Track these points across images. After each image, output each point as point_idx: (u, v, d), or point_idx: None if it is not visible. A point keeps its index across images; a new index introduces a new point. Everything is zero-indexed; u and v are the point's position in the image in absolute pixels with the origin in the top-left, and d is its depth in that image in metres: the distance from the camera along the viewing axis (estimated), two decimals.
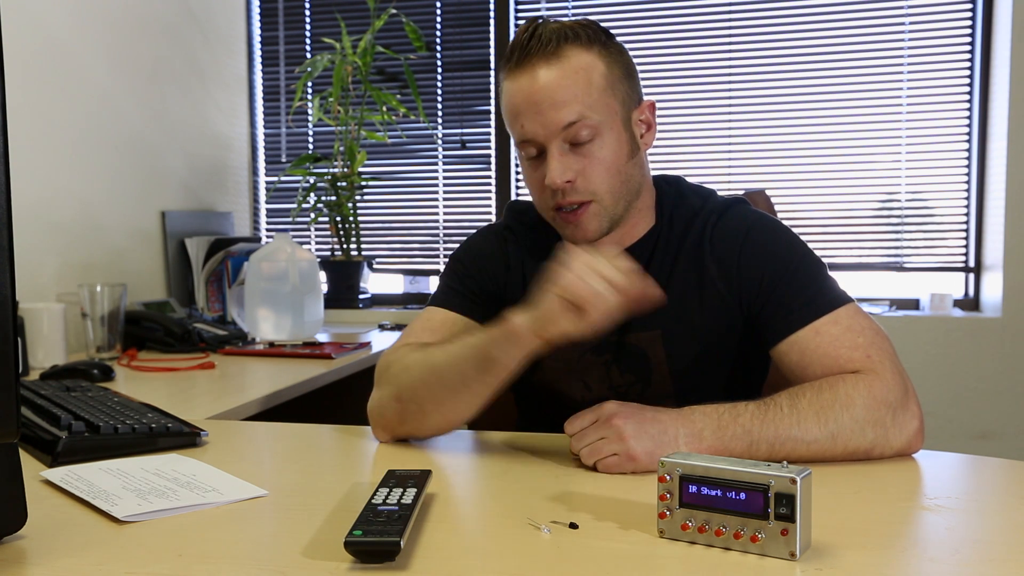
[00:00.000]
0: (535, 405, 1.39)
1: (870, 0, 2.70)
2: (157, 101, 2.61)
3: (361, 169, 2.96)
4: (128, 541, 0.79)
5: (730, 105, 2.82)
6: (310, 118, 3.15)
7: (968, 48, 2.66)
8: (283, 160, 3.19)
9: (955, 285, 2.76)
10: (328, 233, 3.08)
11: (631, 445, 0.99)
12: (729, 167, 2.83)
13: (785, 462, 0.76)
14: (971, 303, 2.73)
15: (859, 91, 2.72)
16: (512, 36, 2.93)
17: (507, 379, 1.07)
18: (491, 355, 1.06)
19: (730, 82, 2.82)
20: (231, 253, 2.62)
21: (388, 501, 0.80)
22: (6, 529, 0.78)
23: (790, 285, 1.16)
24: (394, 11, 2.93)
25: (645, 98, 1.23)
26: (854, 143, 2.74)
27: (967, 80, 2.67)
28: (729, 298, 1.21)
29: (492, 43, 2.99)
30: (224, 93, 2.99)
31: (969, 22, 2.65)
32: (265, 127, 3.20)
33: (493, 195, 3.02)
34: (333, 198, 2.89)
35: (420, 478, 0.88)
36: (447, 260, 1.35)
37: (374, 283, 3.06)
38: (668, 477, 0.78)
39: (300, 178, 3.01)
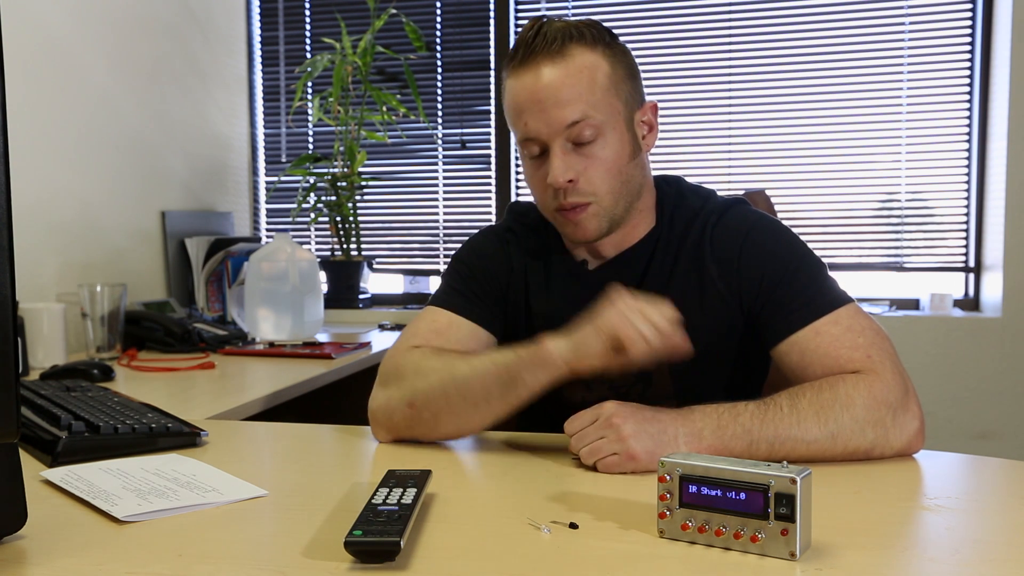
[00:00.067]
0: (535, 405, 1.38)
1: (870, 0, 2.70)
2: (157, 101, 2.61)
3: (361, 169, 2.96)
4: (128, 541, 0.79)
5: (730, 105, 2.82)
6: (310, 118, 3.15)
7: (968, 48, 2.66)
8: (283, 160, 3.19)
9: (955, 285, 2.76)
10: (328, 233, 3.08)
11: (631, 444, 0.99)
12: (729, 167, 2.83)
13: (785, 462, 0.76)
14: (971, 303, 2.73)
15: (859, 91, 2.72)
16: (512, 36, 2.95)
17: (528, 400, 1.08)
18: (519, 376, 1.07)
19: (730, 82, 2.82)
20: (231, 253, 2.62)
21: (388, 501, 0.80)
22: (6, 529, 0.78)
23: (790, 285, 1.16)
24: (394, 11, 2.93)
25: (647, 99, 1.23)
26: (854, 143, 2.74)
27: (967, 80, 2.67)
28: (729, 298, 1.21)
29: (492, 43, 2.99)
30: (224, 93, 2.99)
31: (969, 22, 2.65)
32: (265, 127, 3.20)
33: (493, 195, 3.02)
34: (333, 198, 2.89)
35: (420, 478, 0.88)
36: (449, 260, 1.34)
37: (374, 283, 3.06)
38: (668, 477, 0.78)
39: (300, 178, 3.01)
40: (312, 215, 3.01)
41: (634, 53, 1.23)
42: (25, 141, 2.08)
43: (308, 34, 3.13)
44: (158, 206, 2.61)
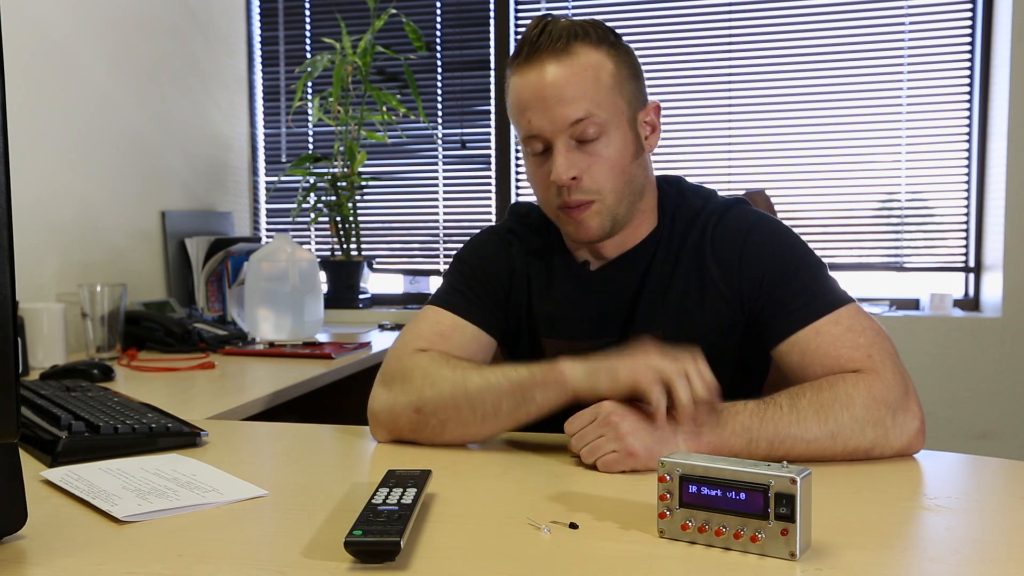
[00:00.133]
0: None
1: (870, 0, 2.70)
2: (157, 101, 2.61)
3: (361, 169, 2.96)
4: (128, 541, 0.79)
5: (730, 105, 2.82)
6: (310, 118, 3.15)
7: (968, 48, 2.66)
8: (283, 160, 3.19)
9: (955, 285, 2.76)
10: (328, 233, 3.08)
11: (629, 442, 0.99)
12: (729, 167, 2.83)
13: (785, 462, 0.76)
14: (971, 303, 2.73)
15: (859, 91, 2.72)
16: (512, 36, 2.95)
17: (536, 419, 1.09)
18: (531, 396, 1.07)
19: (730, 82, 2.82)
20: (231, 253, 2.62)
21: (388, 501, 0.80)
22: (6, 529, 0.78)
23: (791, 285, 1.16)
24: (394, 11, 2.93)
25: (650, 100, 1.24)
26: (854, 143, 2.74)
27: (967, 80, 2.67)
28: (730, 298, 1.21)
29: (492, 43, 2.99)
30: (224, 93, 2.99)
31: (969, 22, 2.65)
32: (265, 127, 3.20)
33: (493, 195, 3.02)
34: (333, 198, 2.89)
35: (420, 478, 0.88)
36: (451, 260, 1.34)
37: (374, 283, 3.06)
38: (668, 477, 0.78)
39: (300, 178, 3.01)
40: (312, 215, 3.01)
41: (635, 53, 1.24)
42: (25, 141, 2.08)
43: (308, 34, 3.13)
44: (158, 206, 2.61)
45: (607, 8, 2.89)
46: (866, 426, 1.02)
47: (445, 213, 3.08)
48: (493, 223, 1.54)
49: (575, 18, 1.19)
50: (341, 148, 2.88)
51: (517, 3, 2.98)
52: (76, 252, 2.26)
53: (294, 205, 3.03)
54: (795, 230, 1.25)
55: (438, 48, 3.03)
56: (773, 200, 1.59)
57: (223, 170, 2.99)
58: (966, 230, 2.71)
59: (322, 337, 2.38)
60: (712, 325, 1.22)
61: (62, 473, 0.99)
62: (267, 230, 3.23)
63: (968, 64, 2.66)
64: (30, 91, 2.11)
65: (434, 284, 3.05)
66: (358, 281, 2.91)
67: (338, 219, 2.90)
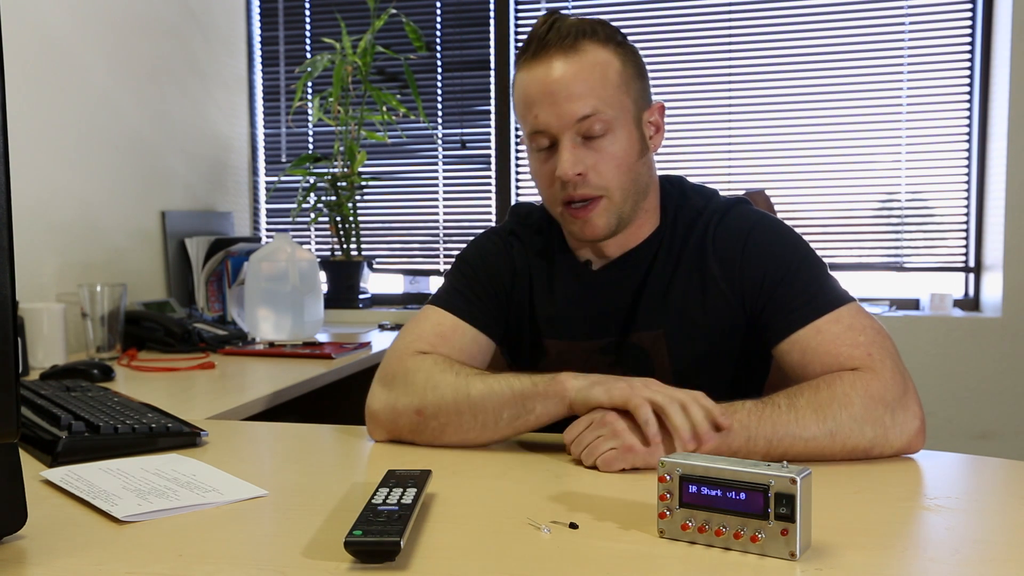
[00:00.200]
0: None
1: (870, 0, 2.70)
2: (157, 101, 2.61)
3: (361, 169, 2.96)
4: (128, 541, 0.79)
5: (730, 105, 2.82)
6: (310, 118, 3.15)
7: (968, 48, 2.66)
8: (283, 160, 3.19)
9: (955, 285, 2.76)
10: (328, 233, 3.08)
11: (627, 438, 0.99)
12: (729, 167, 2.83)
13: (785, 462, 0.76)
14: (971, 303, 2.73)
15: (859, 91, 2.72)
16: (512, 36, 2.95)
17: (535, 428, 1.10)
18: (531, 406, 1.08)
19: (730, 82, 2.82)
20: (231, 253, 2.62)
21: (388, 501, 0.80)
22: (6, 529, 0.78)
23: (791, 284, 1.16)
24: (394, 11, 2.93)
25: (654, 100, 1.24)
26: (854, 143, 2.74)
27: (967, 80, 2.67)
28: (731, 298, 1.21)
29: (492, 43, 2.99)
30: (224, 93, 2.99)
31: (969, 22, 2.65)
32: (265, 127, 3.20)
33: (493, 195, 3.02)
34: (333, 198, 2.89)
35: (420, 478, 0.88)
36: (454, 260, 1.34)
37: (374, 283, 3.06)
38: (668, 477, 0.78)
39: (300, 178, 3.01)
40: (312, 215, 3.01)
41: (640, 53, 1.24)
42: (25, 141, 2.08)
43: (308, 34, 3.13)
44: (158, 206, 2.61)
45: (607, 8, 2.89)
46: (865, 425, 1.02)
47: (445, 213, 3.08)
48: (493, 223, 1.54)
49: (583, 16, 1.20)
50: (341, 148, 2.88)
51: (517, 3, 2.98)
52: (76, 252, 2.26)
53: (294, 205, 3.03)
54: (795, 230, 1.25)
55: (438, 48, 3.03)
56: (773, 200, 1.59)
57: (223, 170, 2.99)
58: (966, 230, 2.71)
59: (322, 337, 2.38)
60: (714, 325, 1.22)
61: (62, 473, 0.99)
62: (267, 230, 3.23)
63: (968, 64, 2.66)
64: (30, 91, 2.11)
65: (434, 284, 3.05)
66: (358, 281, 2.91)
67: (338, 219, 2.90)
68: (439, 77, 3.05)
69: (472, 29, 3.00)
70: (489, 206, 3.03)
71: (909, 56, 2.69)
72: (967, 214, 2.70)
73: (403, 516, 0.76)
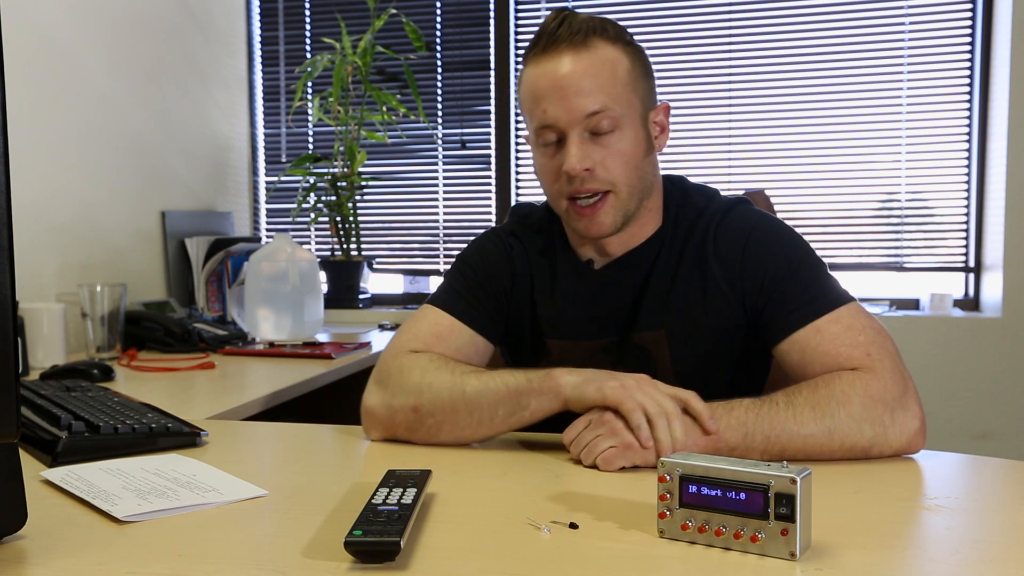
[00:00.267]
0: None
1: (870, 0, 2.70)
2: (157, 101, 2.61)
3: (361, 169, 2.96)
4: (128, 541, 0.79)
5: (730, 105, 2.82)
6: (310, 118, 3.15)
7: (968, 48, 2.66)
8: (283, 160, 3.19)
9: (955, 285, 2.76)
10: (328, 233, 3.08)
11: (626, 436, 0.99)
12: (729, 167, 2.83)
13: (785, 462, 0.76)
14: (971, 303, 2.73)
15: (859, 91, 2.72)
16: (512, 36, 2.95)
17: (530, 424, 1.10)
18: (526, 402, 1.08)
19: (730, 82, 2.82)
20: (231, 253, 2.62)
21: (388, 501, 0.80)
22: (6, 529, 0.78)
23: (792, 284, 1.16)
24: (394, 11, 2.93)
25: (659, 101, 1.24)
26: (854, 143, 2.74)
27: (967, 80, 2.67)
28: (732, 298, 1.21)
29: (492, 43, 2.99)
30: (224, 93, 2.99)
31: (969, 22, 2.65)
32: (265, 127, 3.20)
33: (493, 195, 3.02)
34: (333, 198, 2.89)
35: (420, 478, 0.88)
36: (454, 260, 1.34)
37: (374, 283, 3.06)
38: (668, 477, 0.78)
39: (300, 178, 3.01)
40: (312, 215, 3.01)
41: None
42: (25, 141, 2.08)
43: (308, 34, 3.13)
44: (158, 206, 2.61)
45: (608, 8, 2.89)
46: (863, 424, 1.02)
47: (445, 213, 3.08)
48: (493, 223, 1.54)
49: (593, 14, 1.20)
50: (341, 148, 2.88)
51: (517, 3, 2.98)
52: (76, 252, 2.26)
53: (294, 205, 3.03)
54: (795, 230, 1.25)
55: (438, 48, 3.03)
56: (773, 200, 1.59)
57: (223, 170, 2.99)
58: (966, 230, 2.71)
59: (322, 337, 2.38)
60: (714, 324, 1.22)
61: (62, 473, 0.99)
62: (267, 230, 3.23)
63: (968, 64, 2.66)
64: (30, 91, 2.11)
65: (434, 284, 3.05)
66: (358, 281, 2.91)
67: (338, 219, 2.90)
68: (439, 77, 3.05)
69: (472, 29, 3.00)
70: (489, 206, 3.03)
71: (909, 56, 2.69)
72: (967, 214, 2.70)
73: (403, 516, 0.76)
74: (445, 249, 3.08)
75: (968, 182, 2.69)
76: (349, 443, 1.19)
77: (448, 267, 1.35)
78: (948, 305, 2.65)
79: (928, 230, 2.74)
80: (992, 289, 2.63)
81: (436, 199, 3.08)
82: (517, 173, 3.01)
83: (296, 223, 3.16)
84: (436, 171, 3.08)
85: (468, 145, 3.03)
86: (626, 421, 1.01)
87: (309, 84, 3.04)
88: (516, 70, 2.99)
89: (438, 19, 3.03)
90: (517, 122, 3.00)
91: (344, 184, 2.86)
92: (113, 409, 1.21)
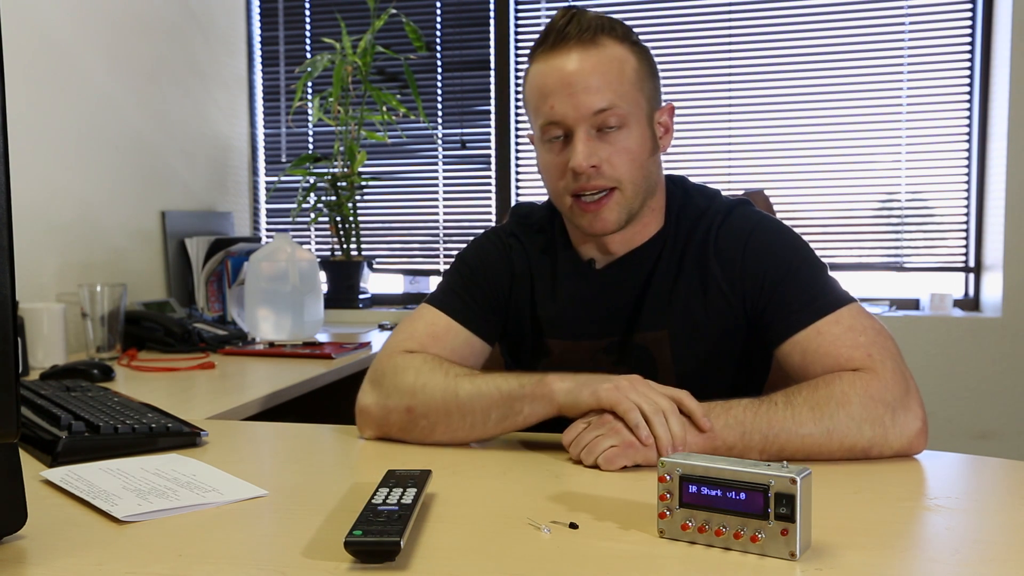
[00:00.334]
0: None
1: (870, 0, 2.70)
2: (157, 101, 2.61)
3: (361, 169, 2.96)
4: (128, 541, 0.79)
5: (730, 105, 2.82)
6: (310, 118, 3.15)
7: (968, 48, 2.66)
8: (283, 160, 3.19)
9: (955, 285, 2.76)
10: (328, 233, 3.08)
11: (627, 435, 1.00)
12: (729, 167, 2.83)
13: (785, 462, 0.76)
14: (971, 303, 2.73)
15: (859, 91, 2.72)
16: (512, 36, 2.95)
17: (523, 428, 1.11)
18: (519, 408, 1.08)
19: (730, 82, 2.82)
20: (231, 253, 2.62)
21: (388, 501, 0.80)
22: (6, 529, 0.78)
23: (792, 286, 1.16)
24: (394, 11, 2.93)
25: (664, 102, 1.25)
26: (854, 143, 2.74)
27: (967, 80, 2.67)
28: (732, 299, 1.21)
29: (492, 43, 2.99)
30: (224, 93, 2.99)
31: (969, 22, 2.65)
32: (265, 127, 3.20)
33: (493, 195, 3.02)
34: (333, 198, 2.89)
35: (420, 478, 0.88)
36: (453, 260, 1.34)
37: (374, 283, 3.06)
38: (668, 477, 0.78)
39: (300, 178, 3.01)
40: (312, 215, 3.01)
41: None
42: (25, 141, 2.08)
43: (308, 34, 3.13)
44: (158, 206, 2.61)
45: (607, 9, 2.89)
46: (863, 424, 1.02)
47: (445, 213, 3.08)
48: (493, 223, 1.54)
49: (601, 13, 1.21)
50: (341, 148, 2.88)
51: (517, 3, 2.98)
52: (76, 252, 2.26)
53: (294, 205, 3.03)
54: (795, 230, 1.25)
55: (438, 48, 3.03)
56: (773, 200, 1.59)
57: (223, 170, 2.99)
58: (966, 230, 2.71)
59: (322, 337, 2.38)
60: (715, 325, 1.22)
61: (62, 473, 0.99)
62: (267, 230, 3.23)
63: (968, 64, 2.66)
64: (30, 91, 2.11)
65: (434, 284, 3.04)
66: (358, 281, 2.91)
67: (338, 219, 2.90)
68: (439, 77, 3.05)
69: (472, 29, 3.00)
70: (489, 206, 3.03)
71: (909, 56, 2.69)
72: (967, 214, 2.70)
73: (403, 516, 0.76)
74: (445, 249, 3.08)
75: (968, 182, 2.69)
76: (349, 443, 1.19)
77: (448, 267, 1.35)
78: (948, 305, 2.65)
79: (928, 230, 2.74)
80: (992, 289, 2.63)
81: (436, 199, 3.08)
82: (517, 173, 3.01)
83: (296, 223, 3.16)
84: (436, 171, 3.08)
85: (468, 145, 3.03)
86: (624, 421, 1.01)
87: (309, 84, 3.04)
88: (516, 70, 2.99)
89: (438, 19, 3.03)
90: (517, 122, 3.00)
91: (344, 184, 2.86)
92: (113, 409, 1.21)
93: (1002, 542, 0.80)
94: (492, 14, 2.98)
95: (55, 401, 1.26)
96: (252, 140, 3.19)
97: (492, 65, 2.99)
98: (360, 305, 2.90)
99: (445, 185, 3.07)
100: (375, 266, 3.08)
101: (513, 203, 2.96)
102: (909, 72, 2.69)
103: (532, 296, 1.30)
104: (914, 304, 2.76)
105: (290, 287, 2.31)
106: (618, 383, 1.03)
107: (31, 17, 2.12)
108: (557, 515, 0.85)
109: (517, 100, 2.99)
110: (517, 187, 3.01)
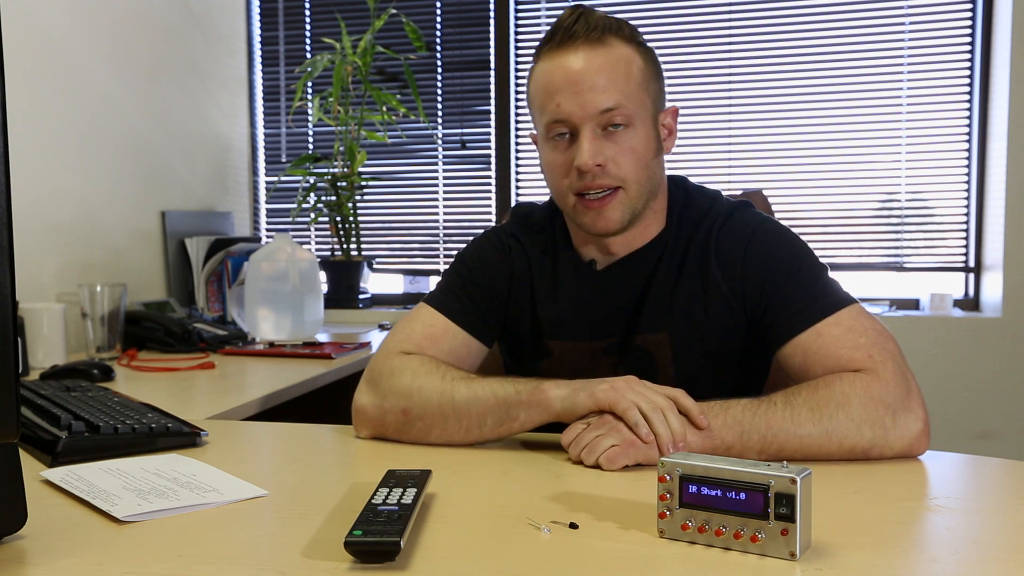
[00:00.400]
0: None
1: (870, 0, 2.70)
2: (157, 101, 2.61)
3: (361, 169, 2.96)
4: (128, 541, 0.79)
5: (730, 105, 2.82)
6: (310, 118, 3.15)
7: (968, 48, 2.66)
8: (283, 160, 3.19)
9: (955, 285, 2.76)
10: (328, 233, 3.08)
11: (628, 434, 1.00)
12: (729, 167, 2.83)
13: (785, 462, 0.76)
14: (971, 303, 2.73)
15: (859, 91, 2.72)
16: (512, 36, 2.95)
17: (519, 434, 1.11)
18: (515, 414, 1.09)
19: (730, 82, 2.82)
20: (231, 253, 2.62)
21: (388, 501, 0.80)
22: (6, 529, 0.78)
23: (792, 288, 1.16)
24: (394, 11, 2.93)
25: (668, 104, 1.25)
26: (854, 143, 2.74)
27: (967, 80, 2.67)
28: (733, 301, 1.21)
29: (492, 43, 2.99)
30: (224, 93, 2.99)
31: (969, 22, 2.65)
32: (265, 127, 3.20)
33: (493, 195, 3.02)
34: (333, 198, 2.89)
35: (420, 478, 0.88)
36: (452, 259, 1.34)
37: (374, 283, 3.06)
38: (668, 477, 0.78)
39: (300, 178, 3.01)
40: (312, 215, 3.01)
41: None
42: (25, 141, 2.08)
43: (308, 34, 3.13)
44: (158, 206, 2.61)
45: (608, 8, 2.89)
46: (863, 425, 1.02)
47: (445, 213, 3.08)
48: (493, 223, 1.54)
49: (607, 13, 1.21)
50: (341, 148, 2.88)
51: (517, 3, 2.98)
52: (76, 252, 2.26)
53: (294, 205, 3.03)
54: (795, 230, 1.25)
55: (438, 48, 3.03)
56: (773, 200, 1.59)
57: (223, 170, 2.99)
58: (966, 230, 2.71)
59: (322, 337, 2.38)
60: (716, 327, 1.22)
61: (62, 473, 0.99)
62: (267, 230, 3.23)
63: (968, 64, 2.66)
64: (30, 91, 2.11)
65: (434, 284, 3.05)
66: (358, 281, 2.91)
67: (338, 219, 2.90)
68: (439, 77, 3.05)
69: (472, 29, 3.00)
70: (489, 206, 3.03)
71: (909, 56, 2.69)
72: (967, 214, 2.70)
73: (403, 516, 0.76)
74: (445, 249, 3.08)
75: (968, 182, 2.69)
76: (349, 443, 1.19)
77: (447, 267, 1.35)
78: (948, 305, 2.65)
79: (928, 230, 2.74)
80: (992, 289, 2.63)
81: (436, 199, 3.08)
82: (517, 173, 3.01)
83: (296, 223, 3.16)
84: (436, 171, 3.08)
85: (468, 145, 3.03)
86: (623, 420, 1.01)
87: (309, 84, 3.04)
88: (516, 70, 2.99)
89: (438, 19, 3.03)
90: (517, 122, 3.00)
91: (344, 184, 2.86)
92: (113, 409, 1.21)
93: (1002, 542, 0.80)
94: (492, 14, 2.98)
95: (55, 401, 1.26)
96: (252, 140, 3.19)
97: (492, 65, 2.99)
98: (360, 305, 2.90)
99: (445, 185, 3.07)
100: (375, 266, 3.08)
101: (513, 203, 2.96)
102: (909, 72, 2.69)
103: (532, 297, 1.30)
104: (914, 304, 2.76)
105: (290, 287, 2.31)
106: (614, 383, 1.04)
107: (31, 17, 2.12)
108: (557, 515, 0.85)
109: (517, 100, 2.99)
110: (517, 187, 3.01)
